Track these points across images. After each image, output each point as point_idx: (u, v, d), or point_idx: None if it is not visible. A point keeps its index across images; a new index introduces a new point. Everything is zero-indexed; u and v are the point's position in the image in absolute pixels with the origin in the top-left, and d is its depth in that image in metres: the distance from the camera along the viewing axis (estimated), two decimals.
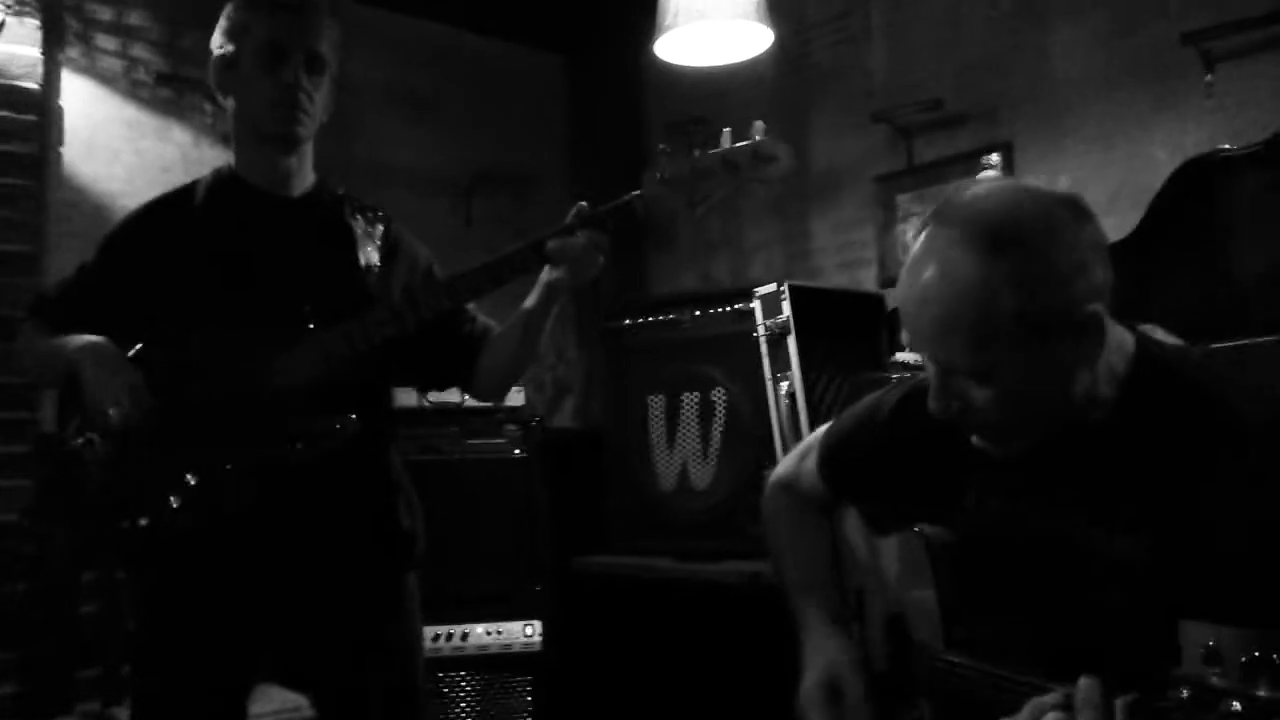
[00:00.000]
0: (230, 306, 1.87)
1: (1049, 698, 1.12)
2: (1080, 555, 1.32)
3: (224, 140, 3.46)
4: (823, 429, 1.76)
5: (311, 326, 1.84)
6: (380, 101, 3.95)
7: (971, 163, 3.25)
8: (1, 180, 3.10)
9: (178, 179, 3.21)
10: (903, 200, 3.48)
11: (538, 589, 3.25)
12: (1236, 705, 0.92)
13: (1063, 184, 1.32)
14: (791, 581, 1.73)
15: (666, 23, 2.78)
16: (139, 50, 3.47)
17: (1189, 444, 1.25)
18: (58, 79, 3.31)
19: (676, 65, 3.12)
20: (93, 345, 1.86)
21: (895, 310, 3.19)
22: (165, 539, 1.82)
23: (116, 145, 3.41)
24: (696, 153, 1.79)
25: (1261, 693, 0.92)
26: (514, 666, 3.18)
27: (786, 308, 2.87)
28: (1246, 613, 1.10)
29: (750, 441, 2.97)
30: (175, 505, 1.80)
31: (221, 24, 1.97)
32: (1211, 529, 1.21)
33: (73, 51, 3.36)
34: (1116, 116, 3.01)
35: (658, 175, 1.80)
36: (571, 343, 4.37)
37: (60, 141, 3.31)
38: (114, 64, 3.43)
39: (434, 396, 3.19)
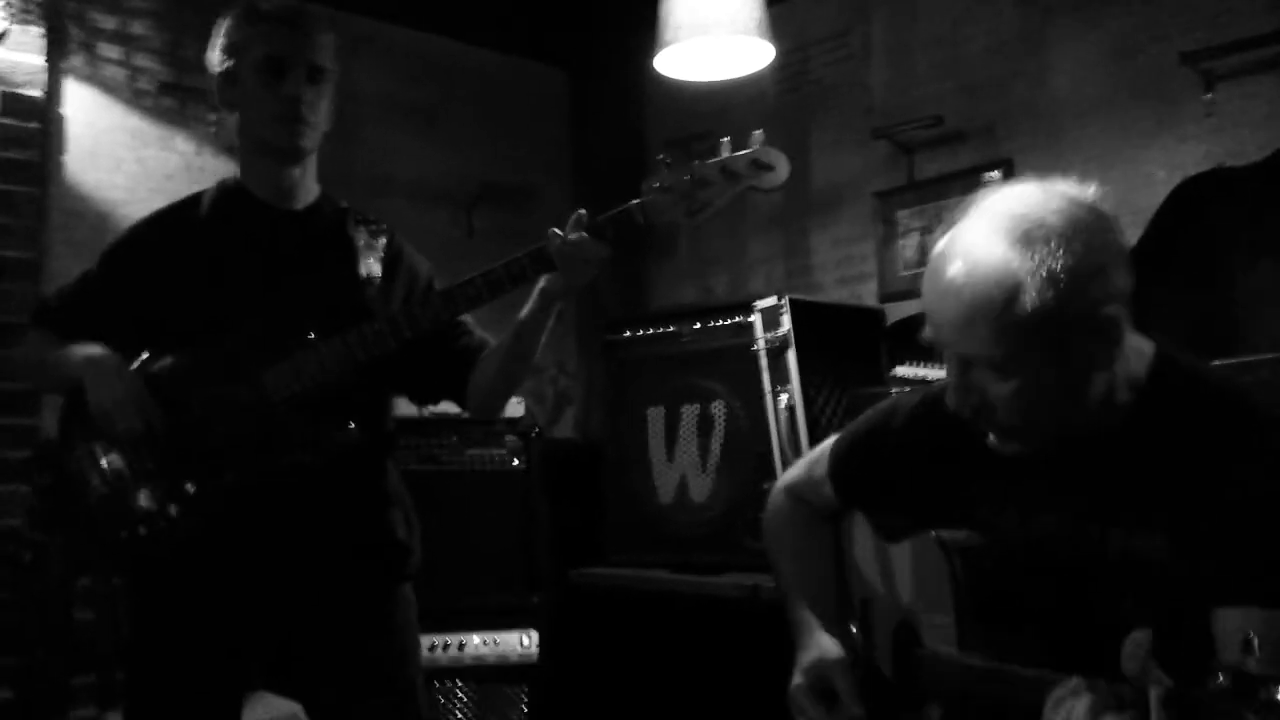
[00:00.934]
0: (232, 317, 1.88)
1: (1067, 686, 1.14)
2: (1099, 557, 1.34)
3: (227, 149, 3.48)
4: (832, 438, 1.76)
5: (311, 337, 1.84)
6: (383, 113, 3.97)
7: (971, 179, 3.27)
8: (3, 187, 3.12)
9: (180, 188, 3.24)
10: (903, 216, 3.50)
11: (535, 600, 3.25)
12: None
13: (1090, 189, 1.34)
14: (789, 585, 1.74)
15: (668, 37, 2.79)
16: (142, 59, 3.48)
17: (1211, 438, 1.28)
18: (61, 87, 3.32)
19: (677, 80, 3.13)
20: (97, 358, 1.86)
21: (895, 325, 3.20)
22: (163, 548, 1.82)
23: (119, 154, 3.42)
24: (695, 162, 1.80)
25: None
26: (510, 677, 3.18)
27: (786, 321, 2.87)
28: (1277, 596, 1.11)
29: (749, 455, 2.97)
30: (174, 514, 1.81)
31: (219, 40, 1.96)
32: (1235, 520, 1.23)
33: (76, 60, 3.37)
34: (1116, 135, 3.03)
35: (656, 184, 1.81)
36: (572, 355, 4.37)
37: (63, 150, 3.32)
38: (117, 73, 3.44)
39: (433, 407, 3.20)
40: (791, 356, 2.85)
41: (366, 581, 1.97)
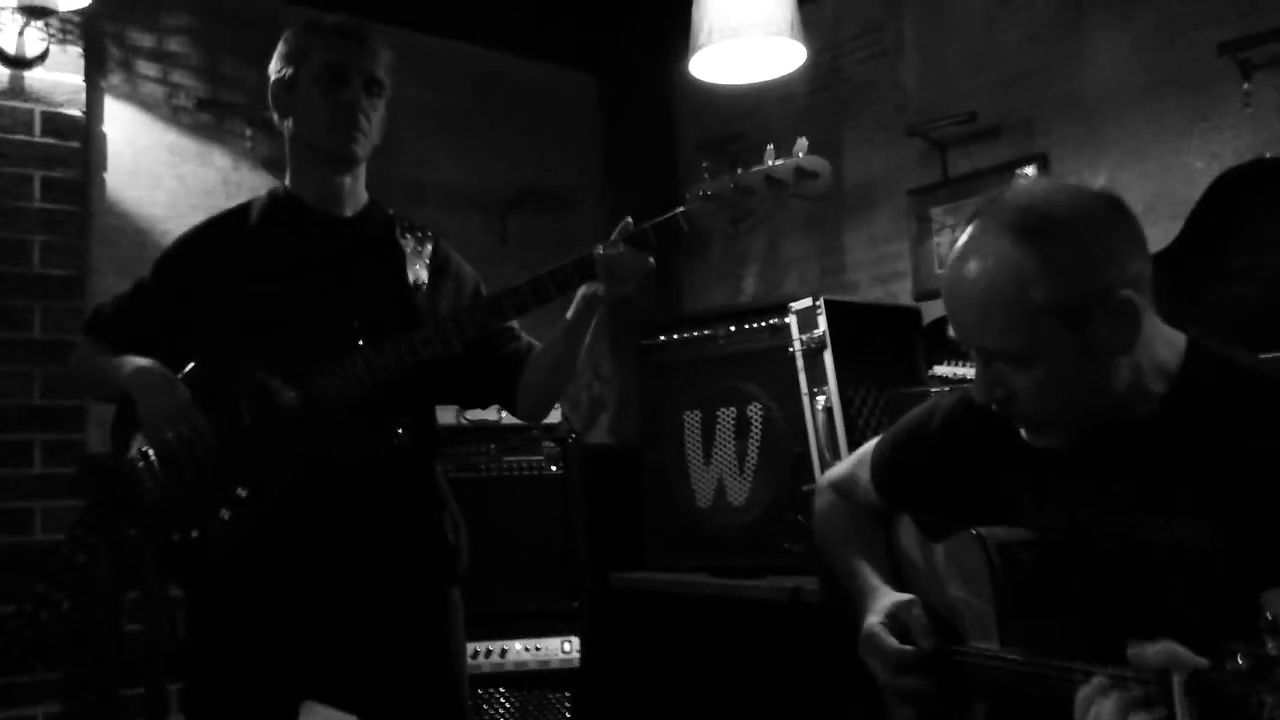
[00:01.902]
0: (282, 322, 1.91)
1: (1094, 685, 1.15)
2: (1139, 547, 1.34)
3: (264, 165, 3.52)
4: (874, 441, 1.78)
5: (360, 343, 1.86)
6: (416, 121, 3.99)
7: (1006, 175, 3.24)
8: (47, 205, 3.17)
9: (218, 203, 3.30)
10: (937, 213, 3.47)
11: (575, 605, 3.25)
12: None
13: (1100, 182, 1.39)
14: (846, 567, 1.73)
15: (700, 41, 2.79)
16: (179, 76, 3.53)
17: (1249, 423, 1.29)
18: (100, 106, 3.38)
19: (709, 83, 3.13)
20: (146, 371, 1.90)
21: (932, 324, 3.18)
22: (216, 552, 1.85)
23: (158, 170, 3.47)
24: (739, 170, 1.80)
25: None
26: (552, 683, 3.19)
27: (822, 322, 2.86)
28: None
29: (787, 457, 2.96)
30: (225, 518, 1.83)
31: (280, 49, 2.02)
32: (1277, 503, 1.23)
33: (115, 78, 3.42)
34: (1153, 127, 2.99)
35: (701, 192, 1.82)
36: (605, 359, 4.38)
37: (104, 167, 3.37)
38: (155, 90, 3.49)
39: (472, 414, 3.22)
40: (828, 358, 2.84)
41: (417, 584, 2.00)
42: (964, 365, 2.69)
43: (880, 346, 3.05)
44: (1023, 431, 1.42)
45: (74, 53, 3.25)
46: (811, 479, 2.83)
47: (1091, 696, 1.15)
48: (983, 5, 3.40)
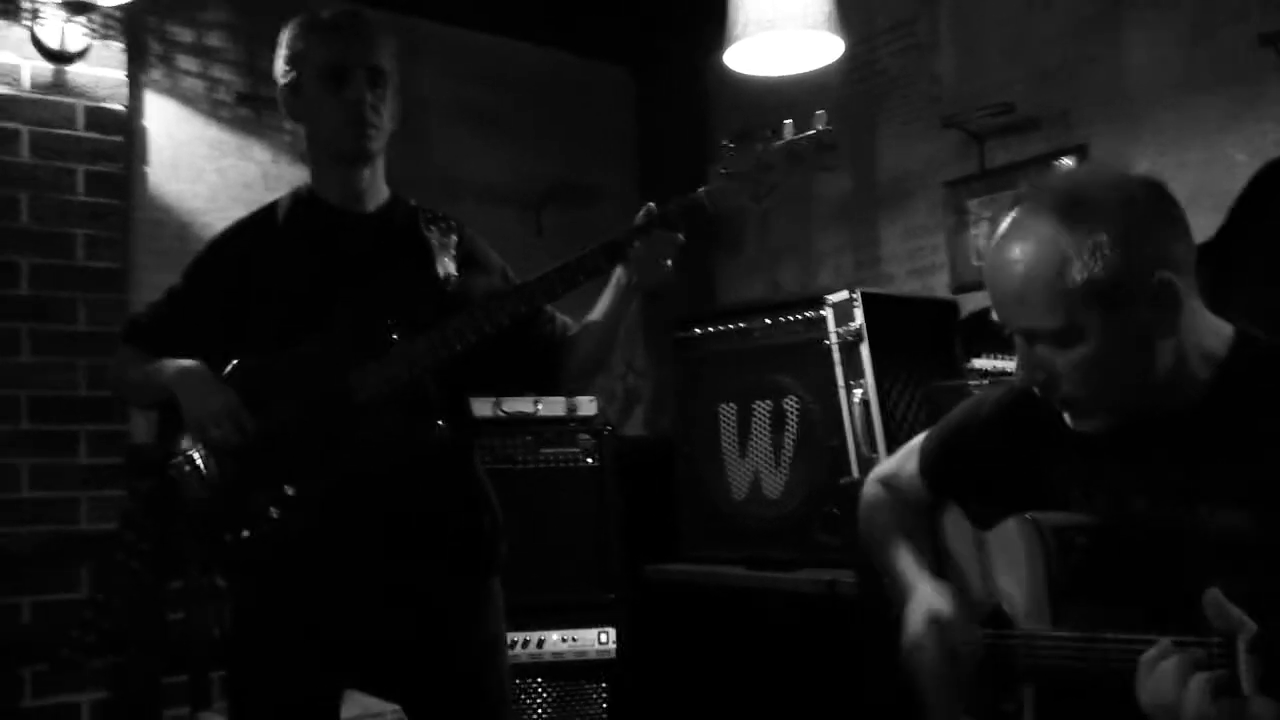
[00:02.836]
0: (315, 321, 1.92)
1: (1158, 648, 1.17)
2: (1186, 534, 1.34)
3: (303, 158, 3.54)
4: (921, 436, 1.79)
5: (395, 337, 1.88)
6: (450, 116, 4.01)
7: (1044, 166, 3.22)
8: (90, 199, 3.21)
9: (258, 196, 3.33)
10: (974, 205, 3.46)
11: (612, 597, 3.27)
12: None
13: (1142, 168, 1.43)
14: (891, 561, 1.74)
15: (736, 33, 2.79)
16: (219, 71, 3.56)
17: None
18: (142, 100, 3.42)
19: (744, 76, 3.12)
20: (188, 370, 1.91)
21: (969, 316, 3.17)
22: (267, 549, 1.87)
23: (199, 164, 3.51)
24: (759, 146, 1.81)
25: None
26: (589, 674, 3.21)
27: (859, 315, 2.86)
28: None
29: (823, 450, 2.96)
30: (275, 516, 1.85)
31: (280, 53, 2.01)
32: None
33: (156, 73, 3.46)
34: (1193, 118, 2.96)
35: (723, 170, 1.83)
36: (641, 352, 4.39)
37: (145, 161, 3.41)
38: (195, 84, 3.53)
39: (508, 407, 3.24)
40: (865, 351, 2.84)
41: (459, 576, 2.01)
42: (1003, 358, 2.68)
43: (917, 339, 3.04)
44: (1066, 416, 1.43)
45: (116, 48, 3.29)
46: (848, 472, 2.83)
47: (1155, 659, 1.18)
48: None
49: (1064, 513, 1.48)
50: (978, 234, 3.43)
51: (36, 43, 3.16)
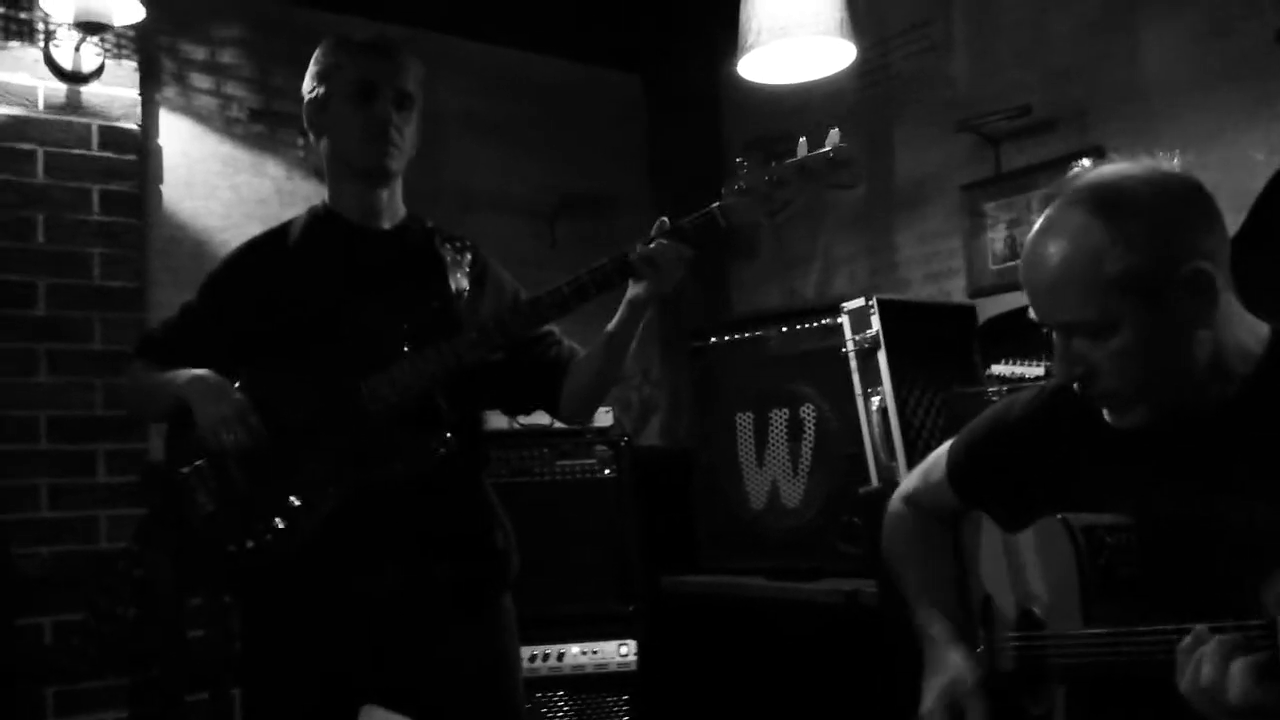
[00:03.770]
0: (327, 336, 1.93)
1: (1196, 635, 1.17)
2: (1221, 532, 1.33)
3: (316, 174, 3.55)
4: (948, 443, 1.78)
5: (406, 349, 1.88)
6: (463, 129, 4.01)
7: (1061, 168, 3.17)
8: (106, 218, 3.23)
9: (273, 212, 3.34)
10: (990, 209, 3.43)
11: (631, 609, 3.25)
12: None
13: (1174, 163, 1.43)
14: (914, 595, 1.75)
15: (749, 41, 2.78)
16: (232, 88, 3.57)
17: None
18: (156, 119, 3.44)
19: (757, 83, 3.11)
20: (201, 376, 1.93)
21: (987, 322, 3.14)
22: (270, 562, 1.87)
23: (214, 181, 3.52)
24: (773, 163, 1.81)
25: None
26: (610, 686, 3.19)
27: (876, 322, 2.84)
28: None
29: (841, 458, 2.94)
30: (280, 527, 1.85)
31: (311, 68, 2.05)
32: None
33: (169, 91, 3.47)
34: (1211, 117, 2.93)
35: (736, 186, 1.83)
36: (656, 362, 4.38)
37: (160, 179, 3.43)
38: (209, 102, 3.54)
39: (524, 419, 3.23)
40: (882, 358, 2.81)
41: (470, 591, 2.01)
42: (1022, 364, 2.66)
43: (935, 346, 3.02)
44: (1105, 412, 1.43)
45: (129, 67, 3.31)
46: (867, 480, 2.81)
47: (1193, 645, 1.18)
48: None
49: (1095, 513, 1.47)
50: (995, 238, 3.40)
51: (51, 63, 3.18)
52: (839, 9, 2.74)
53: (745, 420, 3.21)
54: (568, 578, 3.20)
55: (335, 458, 1.88)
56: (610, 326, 1.96)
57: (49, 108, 3.17)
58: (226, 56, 3.57)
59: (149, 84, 3.40)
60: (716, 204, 1.84)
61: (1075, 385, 1.42)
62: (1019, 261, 1.45)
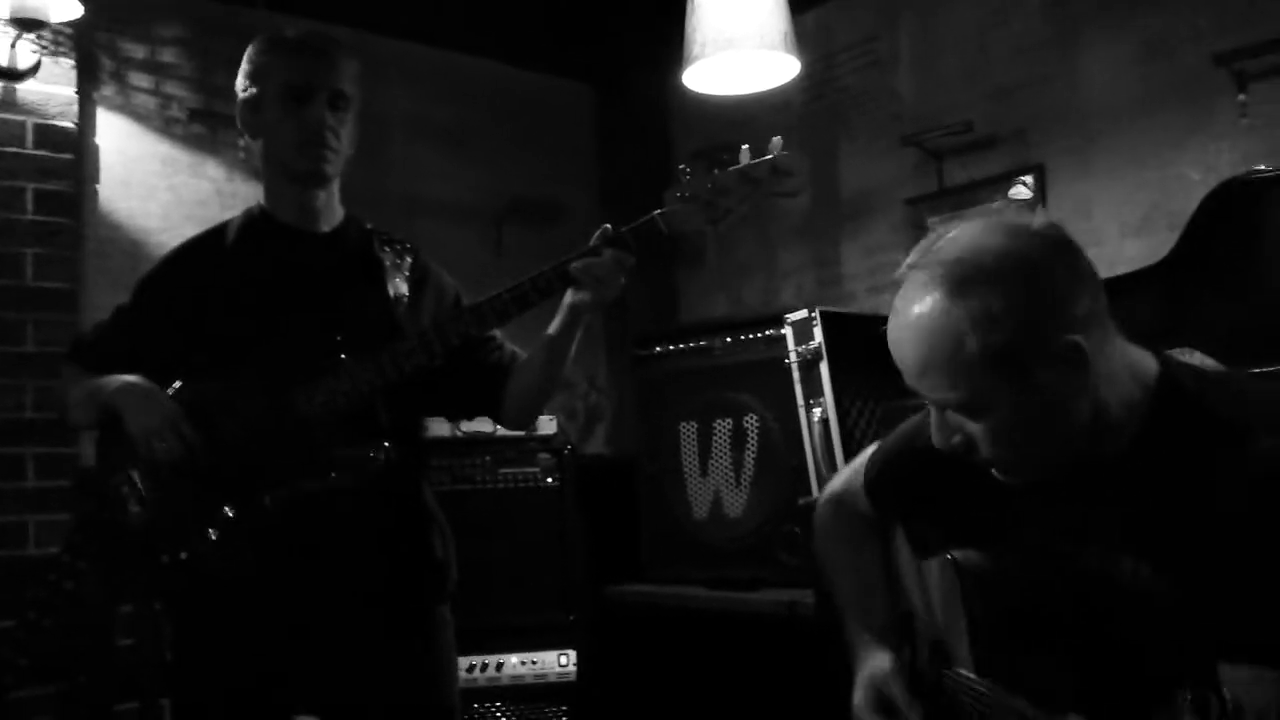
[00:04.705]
0: (263, 341, 1.90)
1: None
2: (1106, 587, 1.32)
3: (257, 175, 3.49)
4: (870, 449, 1.77)
5: (343, 357, 1.86)
6: (410, 134, 3.98)
7: (1002, 185, 3.24)
8: (40, 218, 3.15)
9: (212, 213, 3.29)
10: (934, 222, 3.47)
11: (572, 619, 3.24)
12: None
13: (1041, 217, 1.34)
14: (842, 599, 1.75)
15: (694, 53, 2.78)
16: (172, 87, 3.51)
17: (1208, 477, 1.24)
18: (93, 117, 3.36)
19: (704, 94, 3.12)
20: (132, 384, 1.89)
21: None
22: (202, 572, 1.83)
23: (152, 181, 3.46)
24: (716, 171, 1.82)
25: None
26: (549, 697, 3.17)
27: (818, 334, 2.85)
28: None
29: (783, 469, 2.95)
30: (213, 538, 1.82)
31: (244, 67, 2.00)
32: (1234, 563, 1.19)
33: (107, 90, 3.41)
34: (1148, 138, 2.99)
35: (678, 194, 1.83)
36: (602, 369, 4.37)
37: (96, 179, 3.36)
38: (148, 101, 3.47)
39: (466, 426, 3.21)
40: (824, 369, 2.83)
41: (406, 603, 1.98)
42: None
43: (877, 358, 2.96)
44: (993, 471, 1.39)
45: (66, 65, 3.24)
46: (808, 491, 2.82)
47: None
48: (977, 16, 3.40)
49: (984, 552, 1.45)
50: None
51: None
52: (784, 23, 2.75)
53: (689, 429, 3.21)
54: (508, 587, 3.18)
55: (268, 467, 1.85)
56: (550, 331, 1.94)
57: None
58: (167, 55, 3.51)
59: (86, 82, 3.33)
60: (658, 210, 1.84)
61: (957, 453, 1.37)
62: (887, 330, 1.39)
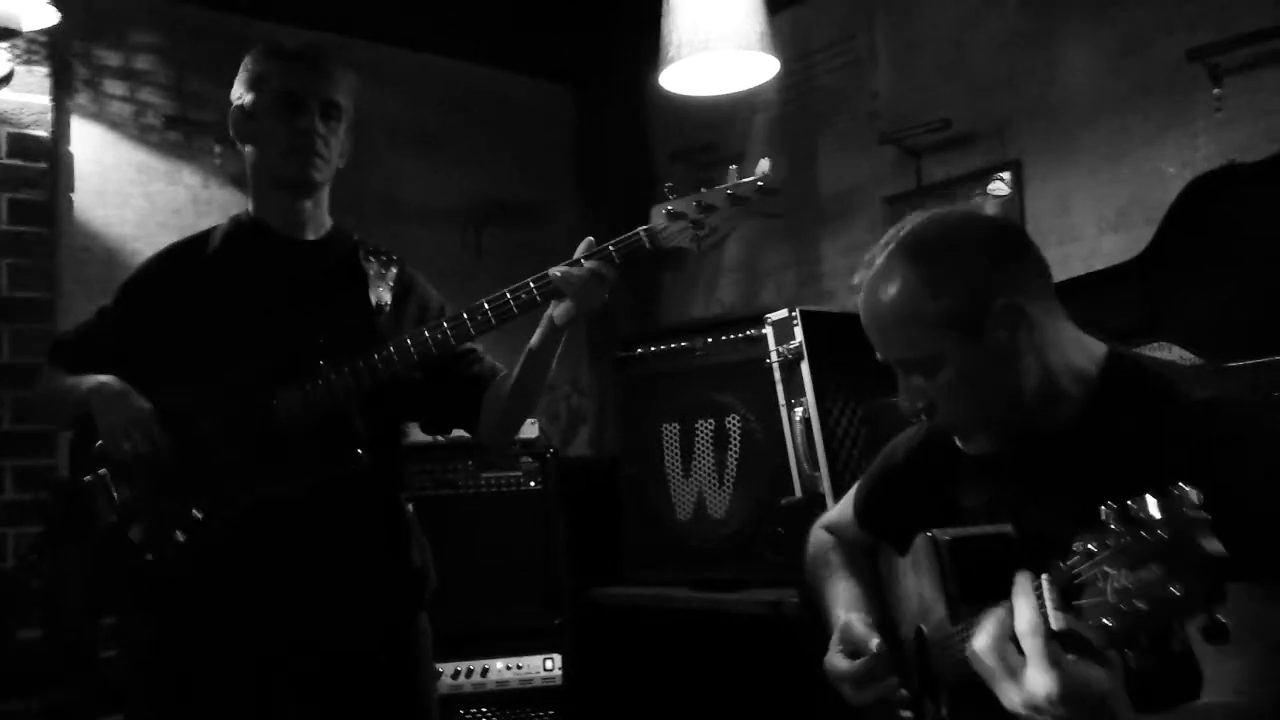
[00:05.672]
0: (244, 346, 1.91)
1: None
2: (1061, 552, 1.34)
3: (233, 181, 3.49)
4: (859, 483, 1.90)
5: (321, 364, 1.85)
6: (390, 137, 3.97)
7: (980, 181, 3.25)
8: (14, 228, 3.13)
9: (188, 221, 3.28)
10: None
11: (557, 622, 3.23)
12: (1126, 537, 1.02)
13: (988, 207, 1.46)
14: (825, 596, 1.82)
15: (671, 54, 2.78)
16: (147, 94, 3.49)
17: (1154, 444, 1.34)
18: (67, 125, 3.34)
19: (681, 95, 3.12)
20: (105, 383, 1.90)
21: None
22: (169, 575, 1.83)
23: (127, 189, 3.43)
24: (702, 189, 1.81)
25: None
26: (536, 701, 3.17)
27: (799, 333, 2.85)
28: None
29: (766, 469, 2.95)
30: (180, 540, 1.81)
31: (241, 74, 2.03)
32: None
33: (81, 98, 3.38)
34: (1125, 133, 3.00)
35: (664, 210, 1.82)
36: (585, 371, 4.37)
37: (71, 188, 3.33)
38: (123, 109, 3.45)
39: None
40: (805, 369, 2.83)
41: (382, 611, 1.98)
42: None
43: (858, 357, 2.99)
44: (956, 440, 1.54)
45: (40, 73, 3.22)
46: (791, 491, 2.82)
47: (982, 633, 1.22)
48: (954, 14, 3.41)
49: (960, 528, 1.55)
50: None
51: None
52: (760, 23, 2.76)
53: (671, 431, 3.21)
54: (493, 592, 3.17)
55: (242, 471, 1.84)
56: (532, 343, 1.94)
57: None
58: (141, 62, 3.49)
59: (61, 90, 3.30)
60: (643, 228, 1.83)
61: (920, 418, 1.53)
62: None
